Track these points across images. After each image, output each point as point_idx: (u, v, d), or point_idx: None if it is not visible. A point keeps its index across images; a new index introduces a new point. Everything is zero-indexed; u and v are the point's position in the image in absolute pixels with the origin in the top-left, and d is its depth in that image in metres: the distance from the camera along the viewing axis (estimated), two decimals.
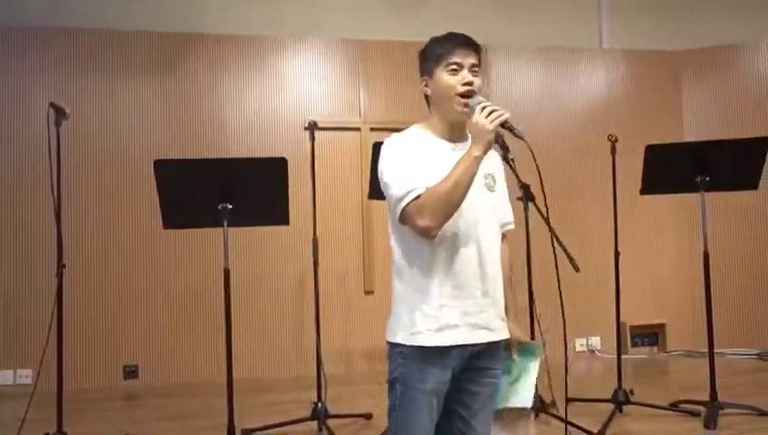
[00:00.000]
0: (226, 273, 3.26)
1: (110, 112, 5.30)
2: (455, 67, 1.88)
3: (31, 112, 5.06)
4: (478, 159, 1.77)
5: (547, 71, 6.14)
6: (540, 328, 3.64)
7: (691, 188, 3.79)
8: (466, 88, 1.86)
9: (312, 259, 3.91)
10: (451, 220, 1.79)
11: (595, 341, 5.88)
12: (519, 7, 6.14)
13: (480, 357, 1.87)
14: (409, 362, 1.82)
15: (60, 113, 3.36)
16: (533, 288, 3.87)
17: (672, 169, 3.80)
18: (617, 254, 4.02)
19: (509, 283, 2.02)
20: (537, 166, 1.83)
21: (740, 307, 5.86)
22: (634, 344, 5.93)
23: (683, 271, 6.04)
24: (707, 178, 3.72)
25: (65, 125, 3.41)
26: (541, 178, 1.86)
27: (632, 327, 5.88)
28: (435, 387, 1.82)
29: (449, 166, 1.79)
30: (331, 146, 5.47)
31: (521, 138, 1.78)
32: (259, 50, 5.60)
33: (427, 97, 1.97)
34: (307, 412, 3.72)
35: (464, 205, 1.80)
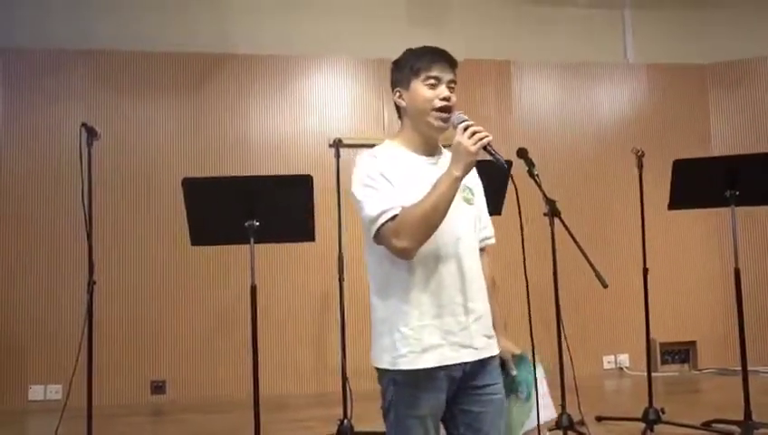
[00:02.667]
0: (253, 289, 3.27)
1: (139, 132, 5.41)
2: (433, 81, 1.85)
3: (64, 132, 5.20)
4: (458, 180, 1.72)
5: (572, 86, 6.12)
6: (567, 345, 3.59)
7: (720, 202, 3.72)
8: (444, 103, 1.83)
9: (337, 275, 3.92)
10: (430, 238, 1.74)
11: (623, 358, 5.78)
12: (543, 22, 6.14)
13: (475, 376, 1.82)
14: (400, 388, 1.78)
15: (91, 133, 3.43)
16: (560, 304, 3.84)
17: (701, 183, 3.74)
18: (645, 270, 3.97)
19: (492, 298, 1.95)
20: (515, 185, 1.78)
21: None
22: (664, 362, 5.82)
23: (713, 287, 5.93)
24: (737, 193, 3.65)
25: (96, 145, 3.49)
26: (517, 196, 1.81)
27: (662, 344, 5.77)
28: (428, 411, 1.78)
29: (425, 180, 1.74)
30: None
31: (501, 165, 1.72)
32: (285, 69, 5.68)
33: (399, 109, 1.94)
34: (333, 429, 3.71)
35: (443, 221, 1.75)
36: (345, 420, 3.69)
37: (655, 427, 3.78)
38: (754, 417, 3.57)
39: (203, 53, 5.56)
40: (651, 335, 4.06)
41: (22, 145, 5.25)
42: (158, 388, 5.17)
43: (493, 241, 2.01)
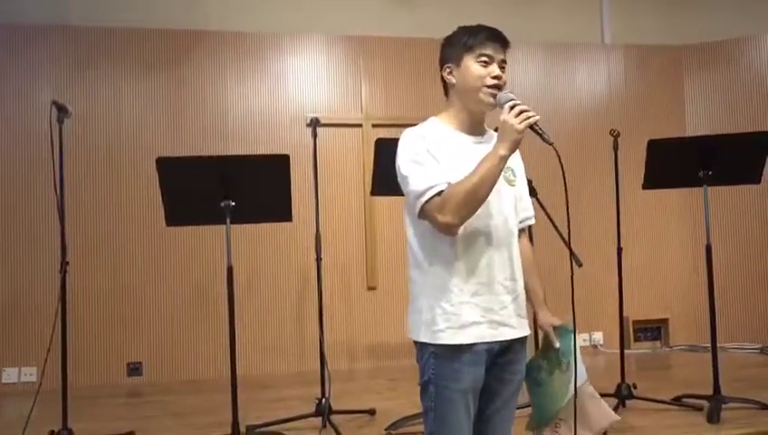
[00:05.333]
0: (230, 269, 3.26)
1: (111, 110, 5.31)
2: (485, 59, 1.85)
3: (33, 110, 5.09)
4: (504, 159, 1.74)
5: (548, 66, 6.14)
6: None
7: (694, 182, 3.77)
8: (495, 81, 1.84)
9: (314, 255, 3.92)
10: (473, 217, 1.76)
11: (598, 336, 5.88)
12: (520, 2, 6.12)
13: (504, 353, 1.85)
14: (441, 362, 1.78)
15: (62, 111, 3.37)
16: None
17: (675, 163, 3.79)
18: (619, 249, 4.02)
19: (534, 274, 2.01)
20: (564, 172, 1.81)
21: (743, 301, 5.87)
22: (637, 339, 5.93)
23: (686, 266, 6.04)
24: (710, 173, 3.71)
25: (68, 123, 3.42)
26: (565, 184, 1.84)
27: (635, 322, 5.88)
28: (470, 385, 1.79)
29: (471, 160, 1.75)
30: (333, 142, 5.48)
31: (549, 143, 1.75)
32: (260, 47, 5.60)
33: (447, 86, 1.92)
34: (311, 408, 3.73)
35: (486, 201, 1.77)
36: (323, 399, 3.70)
37: (627, 402, 3.85)
38: (723, 392, 3.66)
39: (176, 29, 5.45)
40: (624, 314, 4.13)
41: None
42: (134, 369, 5.14)
43: (532, 221, 2.05)
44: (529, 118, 1.73)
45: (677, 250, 6.10)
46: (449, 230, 1.75)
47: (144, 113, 5.37)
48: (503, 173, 1.84)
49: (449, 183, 1.74)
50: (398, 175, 1.84)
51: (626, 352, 4.12)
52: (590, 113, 6.11)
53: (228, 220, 3.24)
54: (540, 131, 1.75)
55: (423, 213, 1.78)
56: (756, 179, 3.81)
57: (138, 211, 5.20)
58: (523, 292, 1.92)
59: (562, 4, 6.24)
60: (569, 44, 6.18)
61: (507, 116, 1.74)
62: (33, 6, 5.27)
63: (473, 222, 1.78)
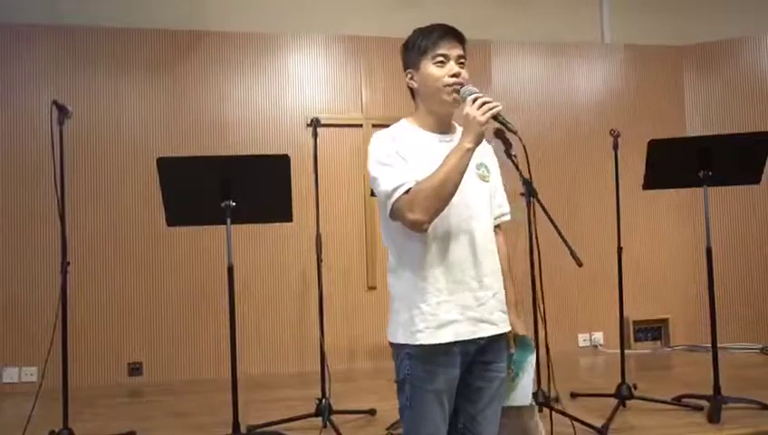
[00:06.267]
0: (230, 269, 3.26)
1: (113, 110, 5.31)
2: (441, 59, 1.85)
3: (34, 110, 5.09)
4: (470, 151, 1.73)
5: (548, 65, 6.13)
6: (544, 323, 3.63)
7: (694, 182, 3.78)
8: (454, 79, 1.83)
9: (314, 255, 3.92)
10: (443, 214, 1.76)
11: (598, 336, 5.88)
12: (521, 2, 6.12)
13: (485, 351, 1.85)
14: (415, 362, 1.79)
15: (63, 111, 3.37)
16: (535, 283, 3.88)
17: (675, 164, 3.79)
18: (619, 249, 4.02)
19: (508, 275, 1.98)
20: (528, 161, 1.79)
21: (743, 301, 5.87)
22: (637, 339, 5.92)
23: (686, 266, 6.04)
24: (710, 173, 3.71)
25: (68, 123, 3.42)
26: (530, 173, 1.81)
27: (635, 322, 5.88)
28: (444, 386, 1.79)
29: (439, 158, 1.75)
30: (333, 142, 5.48)
31: (514, 131, 1.75)
32: (260, 47, 5.60)
33: (412, 90, 1.94)
34: (311, 409, 3.73)
35: (456, 197, 1.76)
36: (323, 400, 3.70)
37: (627, 402, 3.86)
38: (723, 392, 3.66)
39: (177, 29, 5.45)
40: (625, 314, 4.13)
41: None
42: (134, 370, 5.14)
43: (508, 217, 2.03)
44: (491, 109, 1.72)
45: (678, 250, 6.10)
46: (419, 227, 1.75)
47: (145, 113, 5.37)
48: (475, 170, 1.86)
49: (417, 181, 1.74)
50: (369, 178, 1.85)
51: (626, 352, 4.11)
52: (590, 113, 6.11)
53: (229, 220, 3.25)
54: (503, 121, 1.75)
55: (393, 212, 1.78)
56: (756, 180, 3.82)
57: (138, 211, 5.20)
58: (503, 288, 1.91)
59: (562, 3, 6.24)
60: (569, 43, 6.18)
61: (470, 109, 1.74)
62: (33, 6, 5.28)
63: (446, 220, 1.78)
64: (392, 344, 1.87)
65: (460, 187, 1.74)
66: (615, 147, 4.02)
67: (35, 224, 5.02)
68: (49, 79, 5.20)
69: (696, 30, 6.25)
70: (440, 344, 1.77)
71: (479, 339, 1.82)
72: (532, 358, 1.96)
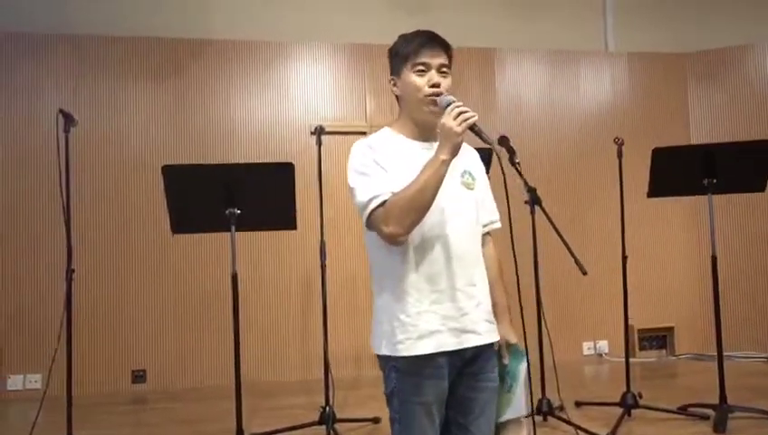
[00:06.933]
0: (234, 277, 3.27)
1: (118, 119, 5.34)
2: (422, 68, 1.81)
3: (40, 119, 5.12)
4: (446, 163, 1.68)
5: (553, 74, 6.14)
6: (548, 331, 3.63)
7: (698, 190, 3.77)
8: (433, 90, 1.80)
9: (319, 263, 3.92)
10: (426, 223, 1.73)
11: (603, 344, 5.86)
12: (525, 10, 6.14)
13: (473, 362, 1.80)
14: (402, 376, 1.76)
15: (69, 120, 3.38)
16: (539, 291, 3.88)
17: (679, 171, 3.79)
18: (624, 257, 4.01)
19: (498, 283, 1.94)
20: (503, 170, 1.74)
21: (749, 310, 5.84)
22: (642, 348, 5.90)
23: (691, 274, 6.02)
24: (714, 181, 3.70)
25: (74, 131, 3.44)
26: (505, 180, 1.76)
27: (640, 330, 5.85)
28: (433, 398, 1.76)
29: (420, 166, 1.71)
30: (337, 150, 5.48)
31: (488, 142, 1.70)
32: (265, 55, 5.63)
33: (396, 97, 1.91)
34: (315, 417, 3.73)
35: (438, 207, 1.72)
36: (327, 407, 3.70)
37: (632, 411, 3.84)
38: (729, 401, 3.64)
39: (183, 38, 5.48)
40: (630, 322, 4.12)
41: None
42: (138, 377, 5.14)
43: (497, 225, 1.99)
44: (467, 119, 1.67)
45: (682, 258, 6.08)
46: (394, 240, 1.71)
47: (149, 121, 5.39)
48: (459, 178, 1.82)
49: (393, 192, 1.71)
50: (348, 188, 1.81)
51: (631, 360, 4.10)
52: (594, 121, 6.11)
53: (233, 228, 3.25)
54: (479, 131, 1.71)
55: (369, 224, 1.76)
56: (761, 187, 3.81)
57: (143, 219, 5.21)
58: (488, 297, 1.87)
59: (566, 13, 6.26)
60: (572, 52, 6.19)
61: (446, 119, 1.69)
62: (39, 16, 5.32)
63: (428, 229, 1.75)
64: (378, 356, 1.85)
65: (440, 195, 1.71)
66: (619, 155, 4.01)
67: (41, 231, 5.04)
68: (55, 87, 5.23)
69: (699, 38, 6.26)
70: (424, 356, 1.73)
71: (465, 350, 1.78)
72: (523, 367, 1.92)
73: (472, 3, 6.00)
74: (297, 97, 5.66)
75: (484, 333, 1.81)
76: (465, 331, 1.77)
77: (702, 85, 6.24)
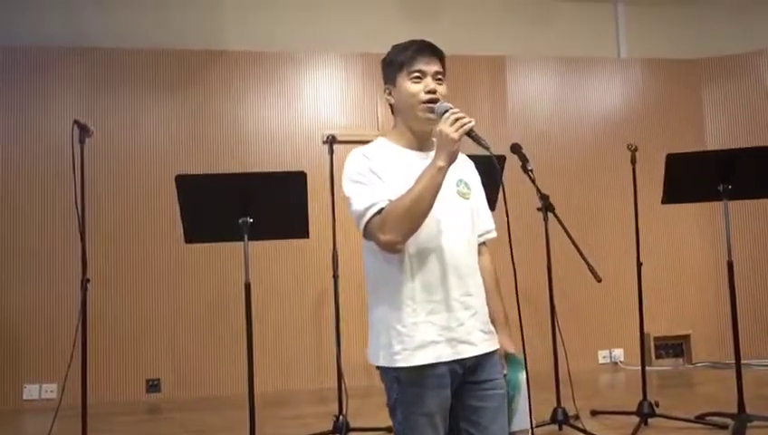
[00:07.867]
0: (247, 286, 3.27)
1: (132, 129, 5.39)
2: (417, 75, 1.82)
3: (55, 130, 5.18)
4: (443, 170, 1.67)
5: (565, 81, 6.13)
6: (562, 339, 3.60)
7: (713, 196, 3.74)
8: (429, 96, 1.79)
9: (331, 272, 3.92)
10: (421, 233, 1.71)
11: (618, 352, 5.81)
12: (536, 18, 6.14)
13: (475, 371, 1.78)
14: (404, 387, 1.74)
15: (84, 131, 3.41)
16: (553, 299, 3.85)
17: (694, 177, 3.75)
18: (639, 264, 3.98)
19: (495, 293, 1.92)
20: (501, 179, 1.74)
21: (766, 317, 5.76)
22: (658, 356, 5.84)
23: (707, 281, 5.96)
24: (730, 187, 3.67)
25: (89, 142, 3.47)
26: (503, 189, 1.74)
27: (656, 338, 5.80)
28: (436, 408, 1.74)
29: (416, 175, 1.70)
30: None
31: (486, 148, 1.68)
32: (277, 65, 5.66)
33: (391, 107, 1.91)
34: (328, 425, 3.72)
35: (435, 216, 1.71)
36: (341, 417, 3.69)
37: (649, 420, 3.79)
38: (748, 410, 3.59)
39: (195, 50, 5.54)
40: (645, 330, 4.08)
41: (15, 142, 5.22)
42: (153, 386, 5.16)
43: (493, 235, 1.97)
44: (464, 126, 1.67)
45: (698, 265, 6.02)
46: (392, 248, 1.70)
47: (163, 132, 5.44)
48: (455, 187, 1.81)
49: (390, 200, 1.70)
50: (344, 197, 1.80)
51: (647, 368, 4.06)
52: (608, 127, 6.08)
53: (246, 237, 3.26)
54: (476, 137, 1.69)
55: (366, 233, 1.74)
56: None
57: (157, 229, 5.25)
58: (485, 307, 1.84)
59: (578, 19, 6.25)
60: (585, 58, 6.17)
61: (443, 126, 1.68)
62: (55, 29, 5.39)
63: (423, 239, 1.73)
64: (377, 367, 1.83)
65: (439, 205, 1.70)
66: (633, 161, 3.99)
67: (56, 241, 5.09)
68: (70, 99, 5.30)
69: (712, 43, 6.22)
70: (424, 366, 1.72)
71: (463, 360, 1.76)
72: (523, 376, 1.89)
73: (483, 11, 6.01)
74: (309, 106, 5.69)
75: (480, 343, 1.79)
76: (461, 341, 1.76)
77: (716, 90, 6.20)
